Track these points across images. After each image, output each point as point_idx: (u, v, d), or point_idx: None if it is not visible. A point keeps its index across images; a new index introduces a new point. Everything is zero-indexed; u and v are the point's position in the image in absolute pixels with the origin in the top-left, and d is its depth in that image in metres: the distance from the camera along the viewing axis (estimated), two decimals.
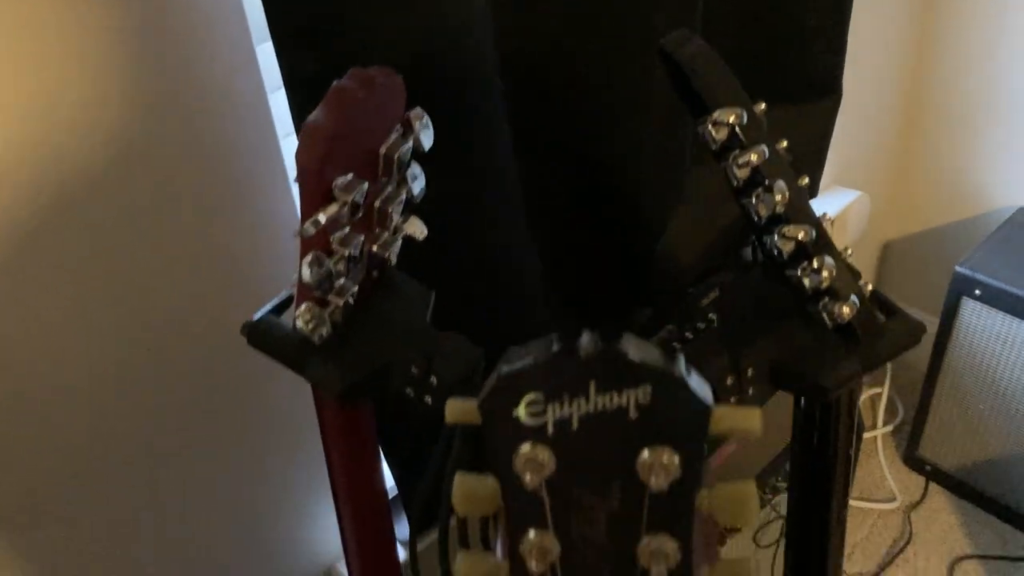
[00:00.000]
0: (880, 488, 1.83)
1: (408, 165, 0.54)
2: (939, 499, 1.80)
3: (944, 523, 1.76)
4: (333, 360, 0.55)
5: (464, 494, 0.38)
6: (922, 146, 1.79)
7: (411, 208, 0.58)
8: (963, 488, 1.79)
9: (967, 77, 1.68)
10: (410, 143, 0.53)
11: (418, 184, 0.56)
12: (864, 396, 1.99)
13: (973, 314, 1.61)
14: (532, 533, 0.37)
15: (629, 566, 0.36)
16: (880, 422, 1.93)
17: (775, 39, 1.16)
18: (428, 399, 0.57)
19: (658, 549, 0.35)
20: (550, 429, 0.35)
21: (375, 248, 0.56)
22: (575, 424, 0.35)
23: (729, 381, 0.55)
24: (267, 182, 0.83)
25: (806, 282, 0.53)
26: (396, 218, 0.56)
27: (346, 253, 0.51)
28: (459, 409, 0.37)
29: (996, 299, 1.57)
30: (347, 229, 0.51)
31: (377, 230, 0.55)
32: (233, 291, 0.83)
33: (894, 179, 1.85)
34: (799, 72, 1.20)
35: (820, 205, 1.66)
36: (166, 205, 0.76)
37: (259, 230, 0.84)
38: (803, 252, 0.54)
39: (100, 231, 0.73)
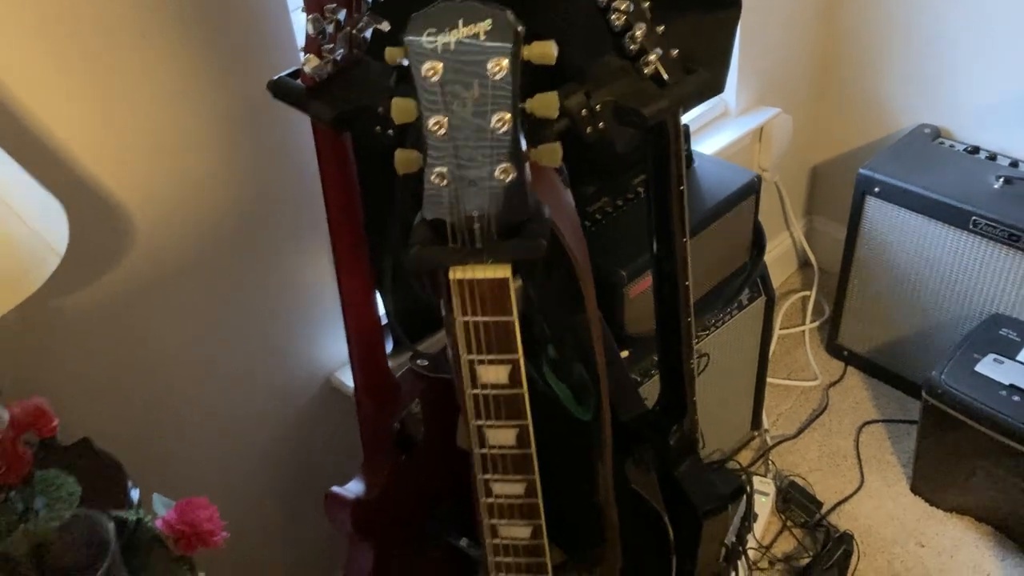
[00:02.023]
0: (805, 372, 2.12)
1: None
2: (855, 379, 2.10)
3: (856, 397, 2.05)
4: (326, 99, 0.85)
5: (399, 110, 0.68)
6: (840, 72, 2.09)
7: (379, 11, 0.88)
8: (874, 368, 2.08)
9: (878, 7, 1.96)
10: None
11: None
12: (795, 298, 2.28)
13: (875, 210, 1.91)
14: (433, 117, 0.66)
15: (487, 132, 0.66)
16: (808, 319, 2.23)
17: None
18: (390, 132, 0.86)
19: (501, 119, 0.65)
20: (439, 49, 0.65)
21: (354, 31, 0.86)
22: (453, 46, 0.64)
23: (584, 112, 0.84)
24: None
25: (630, 44, 0.83)
26: (367, 8, 0.85)
27: (335, 18, 0.81)
28: (393, 51, 0.67)
29: (892, 195, 1.86)
30: (334, 4, 0.81)
31: (355, 15, 0.85)
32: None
33: (816, 103, 2.14)
34: None
35: (745, 121, 1.96)
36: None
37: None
38: (628, 25, 0.83)
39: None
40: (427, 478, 1.24)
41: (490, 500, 0.86)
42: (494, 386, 0.74)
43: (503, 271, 0.69)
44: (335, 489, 1.13)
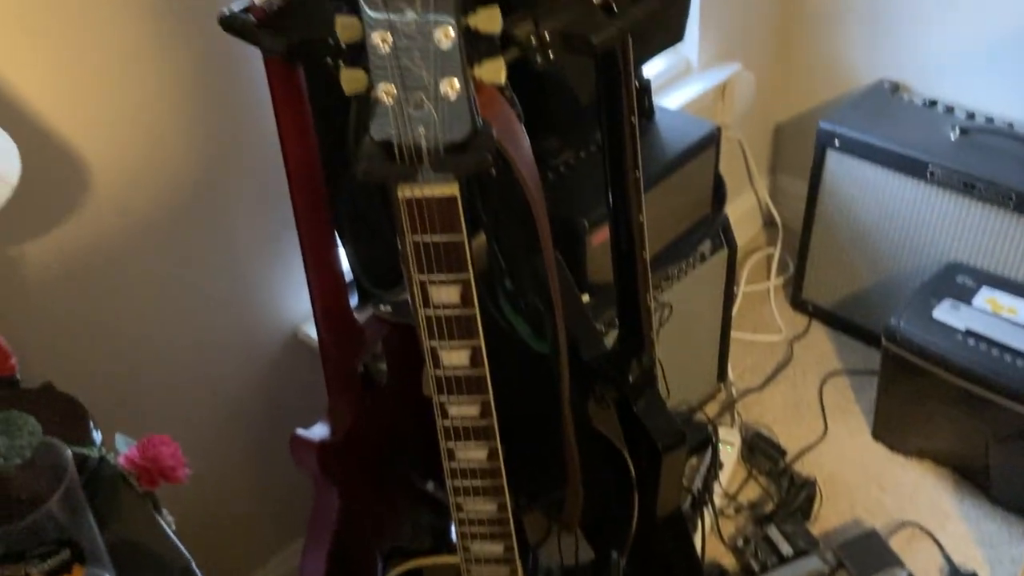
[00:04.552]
0: (770, 327, 2.15)
1: None
2: (819, 333, 2.13)
3: (821, 350, 2.09)
4: (277, 31, 0.85)
5: (343, 27, 0.69)
6: (800, 27, 2.11)
7: None
8: (837, 320, 2.11)
9: None
10: None
11: None
12: (759, 255, 2.31)
13: (835, 163, 1.93)
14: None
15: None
16: (773, 276, 2.25)
17: None
18: (340, 62, 0.87)
19: (444, 34, 0.66)
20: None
21: None
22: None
23: (533, 41, 0.85)
24: None
25: None
26: None
27: None
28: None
29: (852, 147, 1.89)
30: None
31: None
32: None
33: (778, 59, 2.16)
34: None
35: (707, 77, 1.97)
36: None
37: None
38: None
39: None
40: (393, 424, 1.26)
41: (445, 422, 0.85)
42: (446, 306, 0.75)
43: (450, 188, 0.70)
44: (300, 432, 1.14)
